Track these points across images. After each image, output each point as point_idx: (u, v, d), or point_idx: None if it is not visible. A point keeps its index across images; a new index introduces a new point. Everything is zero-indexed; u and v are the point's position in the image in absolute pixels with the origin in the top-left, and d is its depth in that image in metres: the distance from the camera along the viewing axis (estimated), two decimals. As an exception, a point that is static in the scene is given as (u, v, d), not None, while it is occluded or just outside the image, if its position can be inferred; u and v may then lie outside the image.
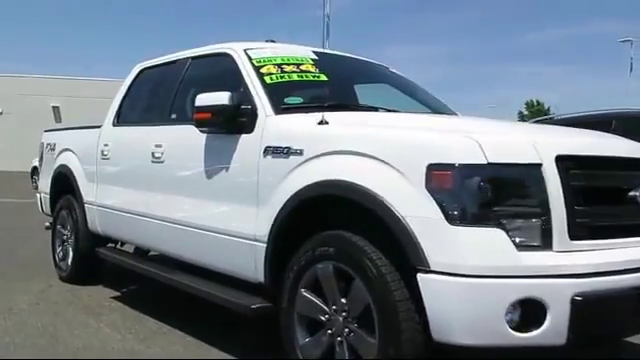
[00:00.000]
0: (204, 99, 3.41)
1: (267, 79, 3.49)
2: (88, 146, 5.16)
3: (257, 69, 3.56)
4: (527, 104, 57.11)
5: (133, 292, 5.30)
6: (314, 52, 3.96)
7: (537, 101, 57.06)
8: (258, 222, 3.17)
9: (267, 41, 4.10)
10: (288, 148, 3.01)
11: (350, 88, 4.04)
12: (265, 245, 3.11)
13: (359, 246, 2.60)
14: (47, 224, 6.24)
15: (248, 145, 3.29)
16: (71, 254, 5.53)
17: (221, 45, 3.98)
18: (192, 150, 3.71)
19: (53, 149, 5.94)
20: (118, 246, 5.35)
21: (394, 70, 4.51)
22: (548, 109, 50.87)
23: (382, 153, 2.56)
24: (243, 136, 3.34)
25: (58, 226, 5.78)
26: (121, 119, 4.87)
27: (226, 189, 3.43)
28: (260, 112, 3.30)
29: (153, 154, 4.10)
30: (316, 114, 3.14)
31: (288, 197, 2.95)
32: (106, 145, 4.82)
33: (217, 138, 3.51)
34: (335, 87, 3.83)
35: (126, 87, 4.94)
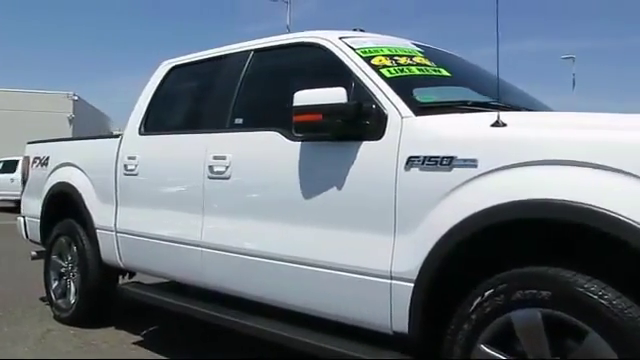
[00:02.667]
0: (308, 97, 2.66)
1: (385, 72, 2.77)
2: (102, 159, 4.27)
3: (367, 61, 2.85)
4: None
5: (156, 334, 4.42)
6: (414, 44, 3.28)
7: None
8: (398, 255, 2.45)
9: (354, 30, 3.38)
10: (450, 158, 2.30)
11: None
12: (412, 285, 2.38)
13: (593, 291, 1.92)
14: (34, 253, 5.24)
15: (377, 155, 2.56)
16: (73, 290, 4.60)
17: (301, 34, 3.24)
18: (279, 163, 2.95)
19: (45, 164, 4.98)
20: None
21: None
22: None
23: (628, 164, 1.90)
24: (366, 143, 2.61)
25: (54, 256, 4.82)
26: (151, 126, 4.01)
27: (339, 212, 2.68)
28: (391, 113, 2.58)
29: (211, 168, 3.29)
30: (472, 115, 2.48)
31: (456, 222, 2.23)
32: (132, 158, 3.95)
33: (321, 146, 2.77)
34: (459, 83, 3.14)
35: (154, 89, 4.08)
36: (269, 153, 3.03)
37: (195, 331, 4.30)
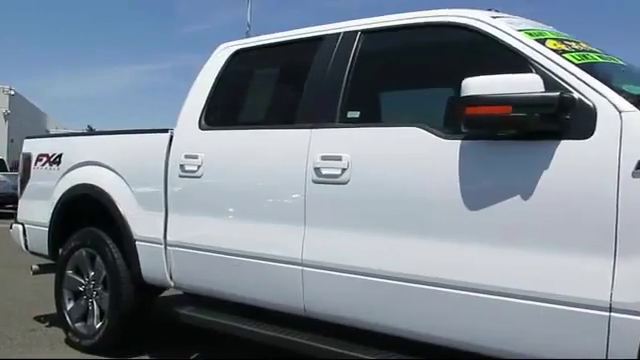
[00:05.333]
0: (487, 85, 2.16)
1: (571, 58, 2.30)
2: (144, 158, 3.62)
3: (542, 44, 2.37)
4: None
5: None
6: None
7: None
8: (621, 282, 1.98)
9: (489, 10, 2.88)
10: None
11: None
12: (646, 319, 1.92)
13: None
14: (35, 267, 4.47)
15: (586, 157, 2.08)
16: (98, 312, 3.88)
17: (434, 12, 2.69)
18: (428, 165, 2.44)
19: (56, 162, 4.22)
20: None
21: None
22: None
23: None
24: (567, 143, 2.12)
25: (69, 272, 4.08)
26: (216, 120, 3.38)
27: (529, 228, 2.18)
28: (600, 106, 2.11)
29: (319, 170, 2.73)
30: None
31: None
32: (191, 157, 3.30)
33: (498, 146, 2.27)
34: (633, 72, 2.70)
35: (214, 77, 3.44)
36: (411, 153, 2.50)
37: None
